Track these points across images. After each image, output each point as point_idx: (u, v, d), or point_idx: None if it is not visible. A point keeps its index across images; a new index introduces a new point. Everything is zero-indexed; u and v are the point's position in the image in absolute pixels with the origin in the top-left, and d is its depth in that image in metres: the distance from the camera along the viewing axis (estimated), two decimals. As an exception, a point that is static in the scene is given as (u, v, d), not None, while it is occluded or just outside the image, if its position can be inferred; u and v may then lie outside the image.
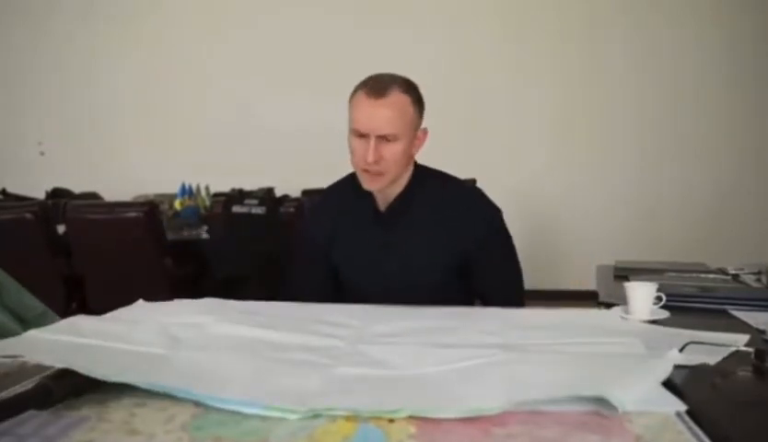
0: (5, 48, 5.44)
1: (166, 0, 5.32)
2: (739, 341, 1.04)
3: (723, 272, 1.87)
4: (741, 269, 1.84)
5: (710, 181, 4.73)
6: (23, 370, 0.94)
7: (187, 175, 4.21)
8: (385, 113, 1.35)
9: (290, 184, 4.46)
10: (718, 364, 0.94)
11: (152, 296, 1.42)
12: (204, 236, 3.56)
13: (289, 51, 5.02)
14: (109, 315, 1.31)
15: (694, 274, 1.79)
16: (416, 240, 1.48)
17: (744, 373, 0.91)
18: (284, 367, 0.94)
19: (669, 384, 0.84)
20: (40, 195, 4.48)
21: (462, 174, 1.66)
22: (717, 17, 4.71)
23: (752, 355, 0.95)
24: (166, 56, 5.30)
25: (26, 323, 1.90)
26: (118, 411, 0.78)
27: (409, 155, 1.45)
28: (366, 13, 4.85)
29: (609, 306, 1.37)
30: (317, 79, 4.72)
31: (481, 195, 1.55)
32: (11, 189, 4.61)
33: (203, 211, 3.96)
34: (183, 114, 5.24)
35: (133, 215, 3.14)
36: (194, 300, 1.44)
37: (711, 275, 1.80)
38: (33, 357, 0.95)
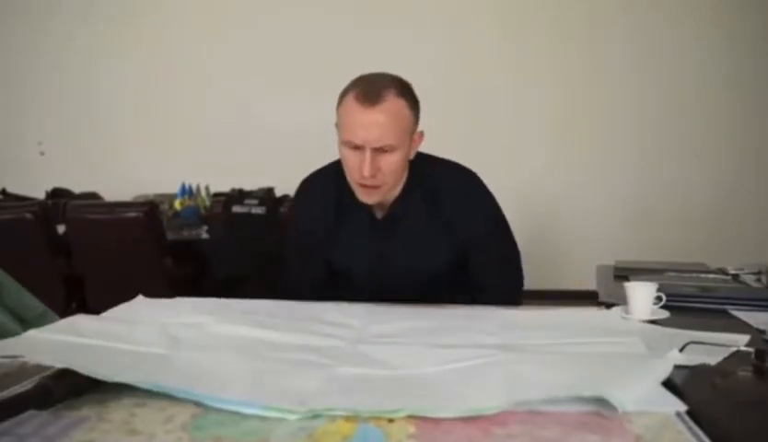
0: (6, 48, 5.44)
1: (166, 0, 5.32)
2: (740, 341, 1.04)
3: (723, 272, 1.87)
4: (741, 269, 1.84)
5: (710, 181, 4.73)
6: (23, 370, 0.94)
7: (187, 175, 4.21)
8: (380, 123, 1.23)
9: (290, 184, 4.41)
10: (718, 364, 0.94)
11: (152, 296, 1.42)
12: (204, 236, 3.56)
13: (289, 51, 5.01)
14: (109, 313, 1.31)
15: (694, 274, 1.79)
16: (415, 243, 1.44)
17: (744, 373, 0.91)
18: (284, 367, 0.94)
19: (669, 384, 0.84)
20: (40, 195, 4.48)
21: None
22: (717, 17, 4.70)
23: (753, 356, 0.95)
24: (166, 56, 5.29)
25: (26, 323, 1.89)
26: (118, 411, 0.78)
27: (406, 161, 1.36)
28: (366, 13, 4.85)
29: (609, 306, 1.37)
30: (317, 79, 4.70)
31: (477, 183, 1.47)
32: (11, 189, 4.61)
33: (203, 211, 3.96)
34: (183, 114, 5.23)
35: (133, 215, 3.14)
36: (194, 299, 1.44)
37: (711, 275, 1.80)
38: (33, 357, 0.95)
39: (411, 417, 0.74)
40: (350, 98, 1.25)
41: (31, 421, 0.75)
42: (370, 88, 1.24)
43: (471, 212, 1.44)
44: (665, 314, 1.27)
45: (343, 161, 1.33)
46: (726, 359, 0.96)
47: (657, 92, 4.80)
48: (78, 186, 4.83)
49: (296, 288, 1.47)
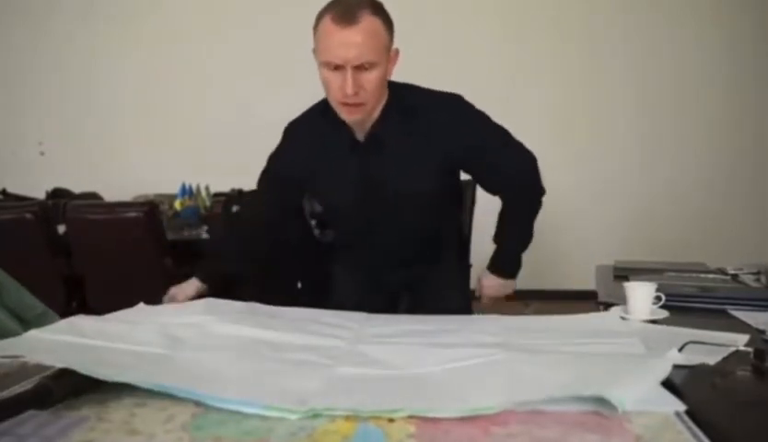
0: (6, 48, 5.43)
1: (166, 0, 5.31)
2: (739, 341, 1.04)
3: (722, 272, 1.87)
4: (741, 269, 1.84)
5: (708, 181, 4.73)
6: (23, 370, 0.94)
7: (187, 175, 4.21)
8: (359, 41, 1.23)
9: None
10: (718, 364, 0.94)
11: (152, 296, 1.42)
12: (204, 236, 3.55)
13: (289, 51, 4.98)
14: (110, 315, 1.31)
15: (694, 274, 1.79)
16: (397, 162, 1.40)
17: (743, 373, 0.91)
18: (284, 367, 0.94)
19: (668, 384, 0.85)
20: (41, 195, 4.47)
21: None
22: (717, 18, 4.69)
23: (752, 355, 0.95)
24: (166, 56, 5.29)
25: (26, 323, 1.90)
26: (118, 411, 0.78)
27: (385, 79, 1.34)
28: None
29: (608, 306, 1.37)
30: (317, 79, 4.72)
31: (458, 100, 1.44)
32: (11, 189, 4.61)
33: (203, 211, 3.96)
34: (183, 114, 5.23)
35: (133, 215, 3.13)
36: (194, 301, 1.44)
37: (710, 275, 1.80)
38: (33, 357, 0.95)
39: (411, 417, 0.74)
40: (327, 21, 1.24)
41: (31, 421, 0.75)
42: (346, 9, 1.23)
43: (456, 126, 1.40)
44: (664, 314, 1.27)
45: (324, 84, 1.32)
46: (725, 359, 0.96)
47: (656, 92, 4.80)
48: (78, 186, 4.83)
49: (252, 214, 1.50)
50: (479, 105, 1.45)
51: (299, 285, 3.37)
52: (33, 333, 1.14)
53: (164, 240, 3.23)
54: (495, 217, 1.56)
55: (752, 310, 1.32)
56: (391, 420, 0.74)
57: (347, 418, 0.75)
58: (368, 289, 1.57)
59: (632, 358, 0.95)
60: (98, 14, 5.32)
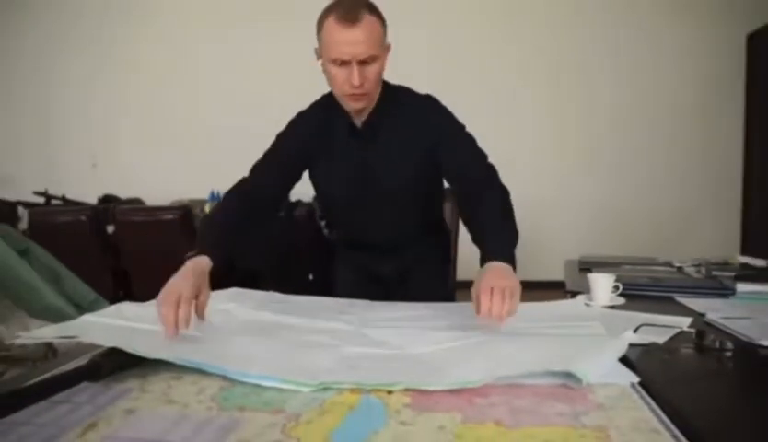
0: (64, 80, 5.43)
1: (195, 26, 5.27)
2: (683, 323, 1.04)
3: (669, 264, 1.87)
4: (685, 262, 1.85)
5: (678, 184, 4.67)
6: (79, 348, 0.94)
7: (216, 182, 4.19)
8: (362, 38, 1.20)
9: (301, 190, 4.43)
10: (666, 342, 0.94)
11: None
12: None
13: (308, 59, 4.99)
14: (151, 302, 1.30)
15: (646, 267, 1.79)
16: (389, 150, 1.37)
17: (687, 350, 0.91)
18: (298, 348, 0.94)
19: (625, 360, 0.85)
20: (93, 201, 4.48)
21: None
22: (688, 24, 4.58)
23: (694, 335, 0.95)
24: (198, 79, 5.27)
25: (81, 309, 1.90)
26: (157, 383, 0.78)
27: (383, 71, 1.32)
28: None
29: (574, 294, 1.37)
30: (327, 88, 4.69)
31: (435, 102, 1.41)
32: (69, 196, 4.63)
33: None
34: (213, 130, 5.16)
35: (170, 217, 3.14)
36: (222, 290, 1.44)
37: (660, 267, 1.80)
38: (87, 338, 0.95)
39: (406, 390, 0.74)
40: (331, 22, 1.22)
41: (85, 391, 0.75)
42: (347, 10, 1.21)
43: (435, 121, 1.36)
44: (621, 301, 1.27)
45: (330, 79, 1.29)
46: (672, 338, 0.96)
47: (632, 98, 4.69)
48: (125, 192, 4.84)
49: (255, 179, 1.39)
50: (462, 108, 1.41)
51: (311, 277, 3.37)
52: (86, 317, 1.14)
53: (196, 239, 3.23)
54: None
55: (695, 297, 1.32)
56: (390, 392, 0.74)
57: (352, 391, 0.75)
58: (365, 282, 1.53)
59: (594, 339, 0.95)
60: (164, 40, 5.27)
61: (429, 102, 1.40)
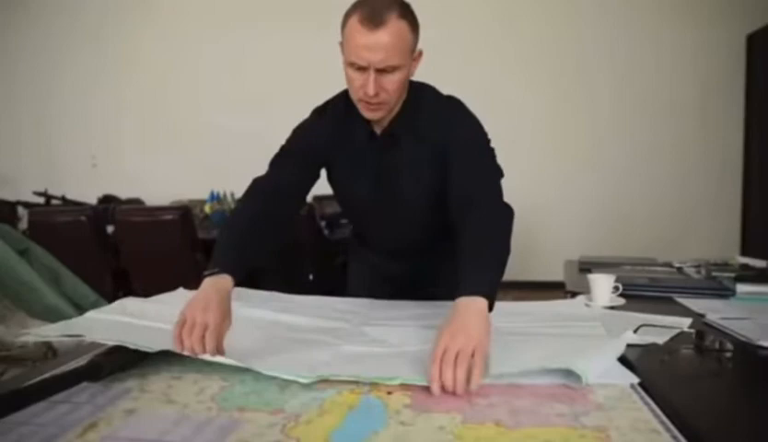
0: (65, 80, 5.43)
1: (194, 28, 5.28)
2: (683, 323, 1.04)
3: (669, 265, 1.87)
4: (684, 263, 1.85)
5: (680, 186, 4.66)
6: (79, 348, 0.95)
7: (215, 183, 4.20)
8: (384, 44, 1.08)
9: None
10: (666, 343, 0.94)
11: (185, 285, 1.42)
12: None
13: (323, 62, 4.99)
14: (153, 298, 1.31)
15: (645, 267, 1.79)
16: (410, 162, 1.26)
17: (687, 350, 0.91)
18: (298, 345, 0.94)
19: (624, 360, 0.84)
20: (93, 201, 4.48)
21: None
22: (688, 24, 4.57)
23: (694, 336, 0.95)
24: (197, 80, 5.28)
25: (81, 309, 1.90)
26: (157, 383, 0.78)
27: (407, 80, 1.20)
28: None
29: (574, 294, 1.37)
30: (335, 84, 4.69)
31: (456, 108, 1.28)
32: (69, 196, 4.63)
33: (229, 214, 3.95)
34: (212, 132, 5.17)
35: (170, 217, 3.13)
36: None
37: (659, 268, 1.80)
38: (91, 335, 0.95)
39: (406, 390, 0.74)
40: (354, 21, 1.09)
41: (85, 391, 0.75)
42: (373, 11, 1.08)
43: (452, 128, 1.24)
44: (621, 301, 1.27)
45: (347, 80, 1.19)
46: (672, 339, 0.96)
47: (634, 102, 4.68)
48: (124, 193, 4.84)
49: (278, 173, 1.27)
50: (467, 99, 1.33)
51: (311, 278, 3.37)
52: (90, 314, 1.14)
53: (196, 239, 3.23)
54: None
55: (694, 298, 1.32)
56: (390, 392, 0.74)
57: (352, 390, 0.75)
58: (379, 282, 1.46)
59: (594, 338, 0.95)
60: (169, 39, 5.26)
61: (451, 108, 1.28)
